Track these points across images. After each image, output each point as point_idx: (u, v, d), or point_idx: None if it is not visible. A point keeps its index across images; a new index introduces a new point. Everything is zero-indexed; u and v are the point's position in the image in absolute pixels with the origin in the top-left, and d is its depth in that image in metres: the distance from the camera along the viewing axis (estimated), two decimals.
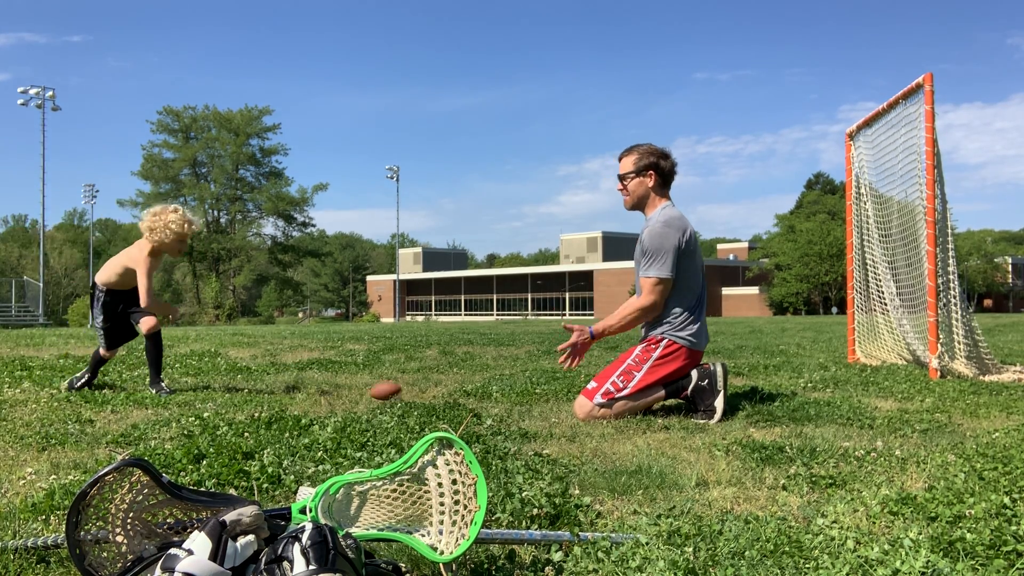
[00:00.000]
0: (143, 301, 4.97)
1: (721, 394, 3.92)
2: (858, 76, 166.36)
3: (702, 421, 3.84)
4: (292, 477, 2.59)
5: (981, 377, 5.66)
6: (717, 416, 3.87)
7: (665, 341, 4.03)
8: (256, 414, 3.98)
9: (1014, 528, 1.90)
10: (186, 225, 5.05)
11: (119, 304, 5.20)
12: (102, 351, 5.26)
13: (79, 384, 5.21)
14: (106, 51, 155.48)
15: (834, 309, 60.55)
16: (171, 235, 5.00)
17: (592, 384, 4.04)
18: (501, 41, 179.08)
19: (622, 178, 4.15)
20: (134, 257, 5.03)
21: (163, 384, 5.08)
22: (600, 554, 1.78)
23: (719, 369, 3.99)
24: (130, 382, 5.76)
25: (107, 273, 5.14)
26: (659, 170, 4.08)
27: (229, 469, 2.62)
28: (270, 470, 2.63)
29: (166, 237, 5.00)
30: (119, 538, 1.62)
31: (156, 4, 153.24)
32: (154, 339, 5.13)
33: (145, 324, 5.12)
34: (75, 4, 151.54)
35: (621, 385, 3.96)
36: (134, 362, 7.42)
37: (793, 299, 64.10)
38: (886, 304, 7.09)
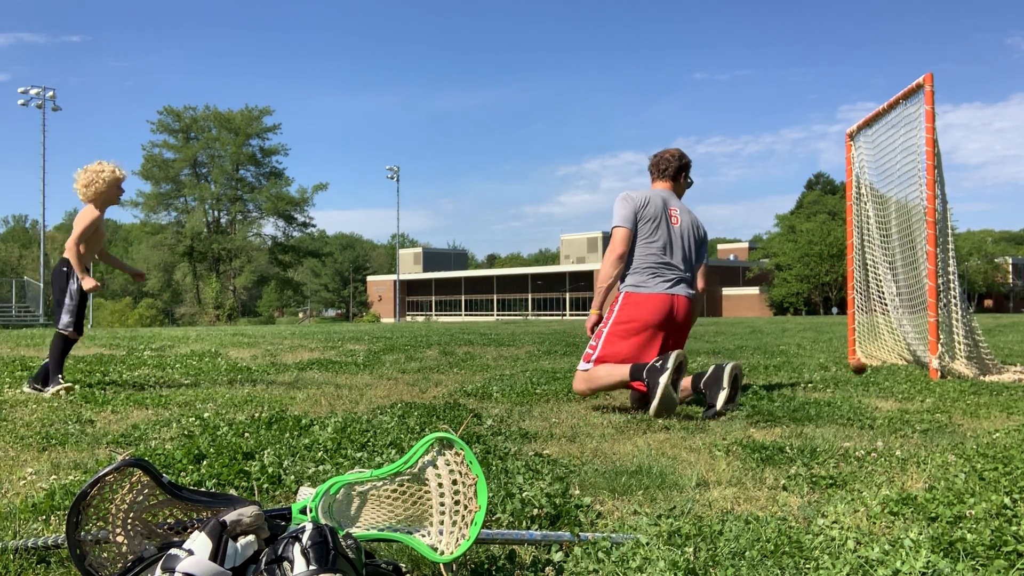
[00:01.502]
0: (67, 251, 5.09)
1: (724, 391, 4.01)
2: (857, 76, 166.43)
3: (708, 419, 3.91)
4: (292, 477, 2.59)
5: (981, 377, 5.66)
6: (715, 410, 3.98)
7: (620, 295, 4.45)
8: (256, 414, 3.98)
9: (1014, 528, 1.90)
10: (116, 170, 5.27)
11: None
12: (71, 332, 5.08)
13: (52, 387, 4.93)
14: (105, 51, 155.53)
15: (834, 309, 60.52)
16: (105, 182, 5.19)
17: None
18: (500, 41, 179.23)
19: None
20: (79, 219, 5.14)
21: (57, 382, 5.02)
22: (600, 554, 1.78)
23: (728, 368, 4.12)
24: (130, 382, 5.77)
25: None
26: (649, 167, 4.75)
27: (229, 469, 2.62)
28: (270, 470, 2.63)
29: (101, 186, 5.19)
30: (119, 538, 1.62)
31: (155, 4, 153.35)
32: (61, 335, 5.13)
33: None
34: (74, 4, 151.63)
35: (595, 344, 4.39)
36: (134, 362, 7.43)
37: (793, 299, 64.07)
38: (886, 304, 7.09)
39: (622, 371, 4.16)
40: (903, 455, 2.92)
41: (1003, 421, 3.80)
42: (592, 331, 4.60)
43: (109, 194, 5.24)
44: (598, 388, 4.29)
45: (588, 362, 4.34)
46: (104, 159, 5.28)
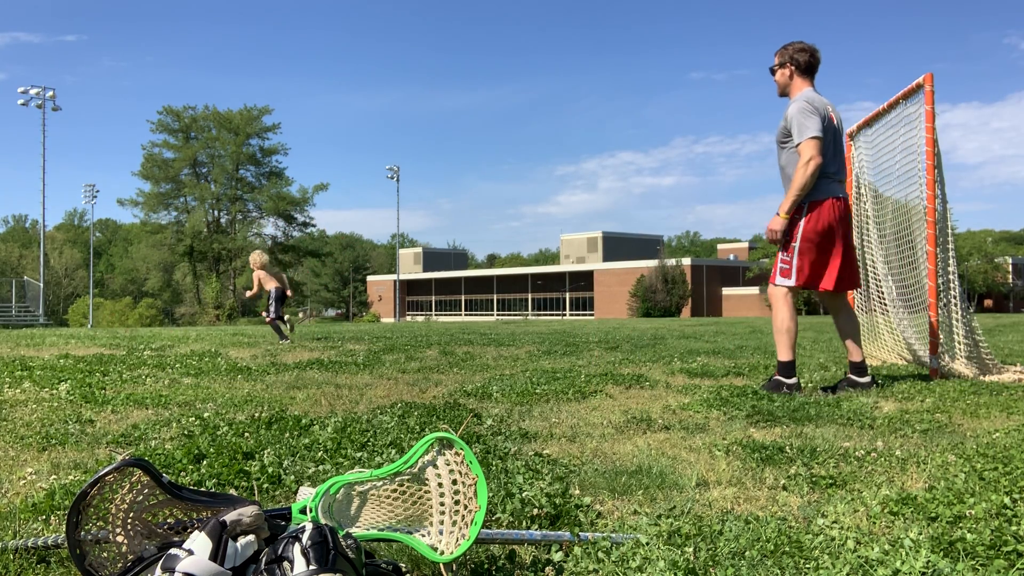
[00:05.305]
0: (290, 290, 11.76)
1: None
2: (855, 76, 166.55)
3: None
4: (292, 477, 2.59)
5: (981, 377, 5.66)
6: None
7: (804, 206, 4.67)
8: (256, 414, 3.98)
9: (1014, 528, 1.90)
10: (265, 256, 11.66)
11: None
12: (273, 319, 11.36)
13: (284, 338, 10.82)
14: (102, 51, 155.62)
15: None
16: (261, 262, 11.45)
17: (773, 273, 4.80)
18: (499, 41, 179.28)
19: (772, 71, 4.98)
20: (280, 280, 11.43)
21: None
22: (600, 554, 1.78)
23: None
24: (130, 382, 5.77)
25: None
26: (796, 63, 4.82)
27: (229, 469, 2.62)
28: (270, 470, 2.63)
29: (260, 261, 11.46)
30: (119, 538, 1.62)
31: (151, 3, 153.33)
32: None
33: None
34: (70, 4, 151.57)
35: (788, 258, 4.64)
36: (134, 362, 7.43)
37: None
38: (886, 304, 7.09)
39: (787, 353, 4.63)
40: (903, 455, 2.92)
41: (1003, 421, 3.80)
42: (778, 237, 4.66)
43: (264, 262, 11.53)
44: (779, 333, 4.67)
45: (785, 276, 4.63)
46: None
